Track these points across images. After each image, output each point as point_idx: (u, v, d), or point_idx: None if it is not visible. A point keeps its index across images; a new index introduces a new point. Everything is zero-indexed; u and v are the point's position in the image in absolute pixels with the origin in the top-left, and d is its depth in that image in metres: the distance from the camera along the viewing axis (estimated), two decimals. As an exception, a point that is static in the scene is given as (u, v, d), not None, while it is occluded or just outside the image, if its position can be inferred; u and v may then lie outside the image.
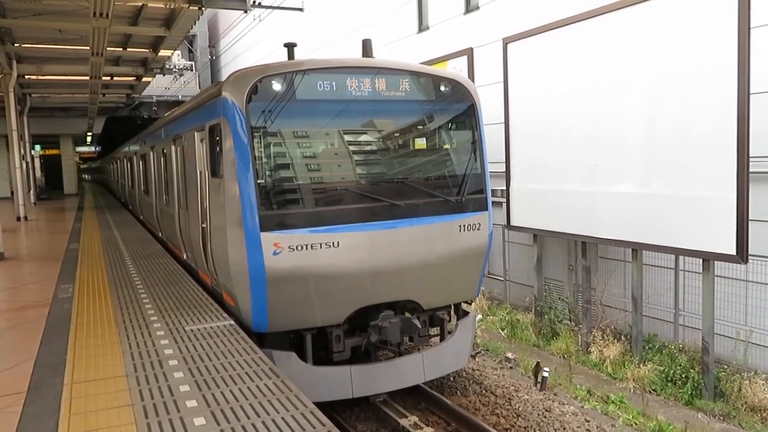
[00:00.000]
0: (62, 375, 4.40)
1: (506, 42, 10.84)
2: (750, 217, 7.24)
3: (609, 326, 9.65)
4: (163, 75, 24.96)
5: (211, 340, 5.15)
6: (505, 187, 11.14)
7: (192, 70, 32.75)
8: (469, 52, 11.64)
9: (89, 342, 5.17)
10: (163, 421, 3.54)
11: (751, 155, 7.19)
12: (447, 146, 7.12)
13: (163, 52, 17.88)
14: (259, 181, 5.85)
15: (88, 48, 13.68)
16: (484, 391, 7.76)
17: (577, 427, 6.84)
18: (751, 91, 7.10)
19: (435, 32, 15.59)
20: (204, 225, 7.30)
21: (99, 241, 11.77)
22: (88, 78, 17.81)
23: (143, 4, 12.82)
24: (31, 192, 24.70)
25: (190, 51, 36.78)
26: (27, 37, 15.67)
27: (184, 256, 9.14)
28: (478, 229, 6.95)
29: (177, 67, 25.71)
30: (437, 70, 7.79)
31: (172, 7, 12.66)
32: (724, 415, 7.41)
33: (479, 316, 11.11)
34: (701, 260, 7.97)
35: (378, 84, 6.45)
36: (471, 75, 11.36)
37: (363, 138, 6.81)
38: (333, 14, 21.23)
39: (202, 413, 3.63)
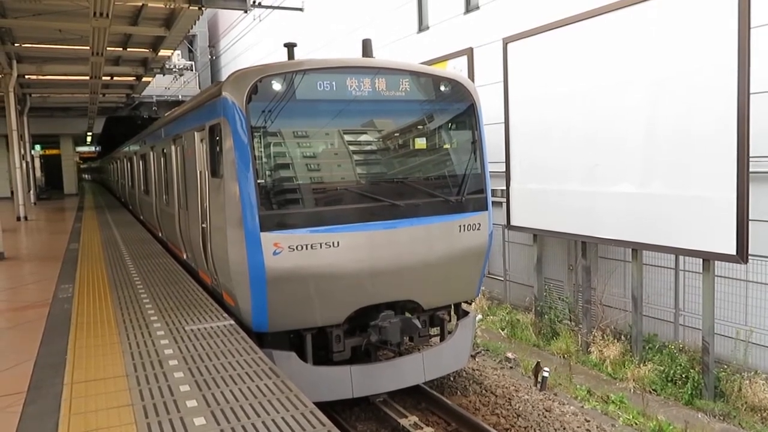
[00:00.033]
0: (62, 375, 4.40)
1: (506, 42, 10.83)
2: (750, 217, 7.24)
3: (609, 326, 9.65)
4: (163, 75, 24.98)
5: (211, 340, 5.15)
6: (505, 187, 11.14)
7: (192, 70, 32.74)
8: (469, 52, 11.64)
9: (89, 342, 5.17)
10: (163, 421, 3.54)
11: (751, 155, 7.19)
12: (447, 146, 7.12)
13: (163, 52, 17.87)
14: (259, 181, 5.85)
15: (88, 48, 13.68)
16: (484, 391, 7.76)
17: (577, 427, 6.84)
18: (751, 91, 7.10)
19: (435, 32, 15.59)
20: (204, 225, 7.30)
21: (99, 241, 11.76)
22: (88, 78, 17.82)
23: (143, 4, 12.82)
24: (31, 192, 24.70)
25: (190, 51, 36.78)
26: (27, 37, 15.67)
27: (184, 256, 9.14)
28: (478, 229, 6.95)
29: (177, 67, 25.73)
30: (437, 69, 7.79)
31: (172, 7, 12.66)
32: (724, 415, 7.41)
33: (479, 316, 11.11)
34: (701, 260, 7.97)
35: (378, 84, 6.45)
36: (471, 75, 11.36)
37: (363, 138, 6.81)
38: (333, 14, 21.23)
39: (202, 413, 3.63)
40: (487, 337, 10.51)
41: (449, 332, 7.32)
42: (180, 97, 31.94)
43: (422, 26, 16.43)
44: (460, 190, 6.86)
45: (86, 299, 6.79)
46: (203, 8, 12.66)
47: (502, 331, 10.90)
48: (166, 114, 13.18)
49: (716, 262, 7.83)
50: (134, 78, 21.96)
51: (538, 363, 8.42)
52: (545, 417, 7.06)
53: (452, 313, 7.55)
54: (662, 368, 8.40)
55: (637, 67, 8.45)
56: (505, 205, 11.21)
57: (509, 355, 9.43)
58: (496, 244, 11.59)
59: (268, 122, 5.98)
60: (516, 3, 12.58)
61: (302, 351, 6.32)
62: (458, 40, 13.11)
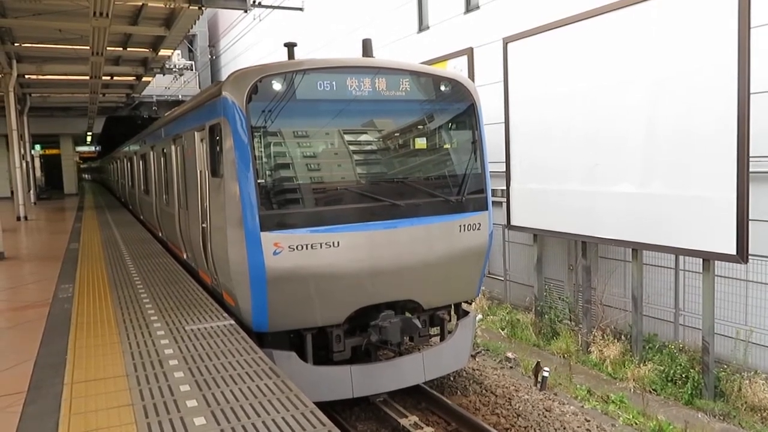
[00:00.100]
0: (62, 375, 4.40)
1: (506, 42, 10.83)
2: (750, 217, 7.24)
3: (609, 326, 9.65)
4: (163, 75, 24.96)
5: (211, 339, 5.15)
6: (505, 187, 11.14)
7: (192, 70, 32.75)
8: (469, 52, 11.64)
9: (89, 342, 5.17)
10: (164, 421, 3.53)
11: (751, 155, 7.19)
12: (447, 146, 7.12)
13: (163, 52, 17.87)
14: (259, 181, 5.85)
15: (88, 48, 13.68)
16: (484, 391, 7.76)
17: (578, 426, 6.84)
18: (751, 91, 7.10)
19: (435, 32, 15.59)
20: (204, 225, 7.30)
21: (99, 241, 11.76)
22: (88, 78, 17.81)
23: (143, 4, 12.82)
24: (31, 192, 24.70)
25: (190, 51, 36.77)
26: (27, 37, 15.66)
27: (184, 256, 9.14)
28: (479, 229, 6.94)
29: (177, 66, 25.72)
30: (437, 69, 7.79)
31: (172, 6, 12.65)
32: (724, 415, 7.41)
33: (479, 316, 11.11)
34: (701, 260, 7.97)
35: (378, 84, 6.45)
36: (471, 75, 11.36)
37: (363, 138, 6.81)
38: (333, 14, 21.23)
39: (203, 413, 3.63)
40: (487, 337, 10.51)
41: (449, 332, 7.32)
42: (180, 96, 31.95)
43: (422, 26, 16.43)
44: (461, 190, 6.86)
45: (86, 299, 6.79)
46: (203, 8, 12.66)
47: (502, 330, 10.91)
48: (166, 114, 13.18)
49: (716, 261, 7.83)
50: (134, 78, 21.97)
51: (538, 363, 8.42)
52: (545, 417, 7.06)
53: (452, 312, 7.54)
54: (662, 368, 8.40)
55: (637, 67, 8.45)
56: (505, 204, 11.21)
57: (509, 354, 9.43)
58: (497, 243, 11.59)
59: (268, 122, 5.98)
60: (516, 3, 12.58)
61: (302, 351, 6.32)
62: (458, 40, 13.11)
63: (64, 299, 6.89)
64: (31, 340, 5.39)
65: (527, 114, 10.58)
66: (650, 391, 8.10)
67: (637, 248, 8.85)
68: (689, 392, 7.87)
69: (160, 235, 11.90)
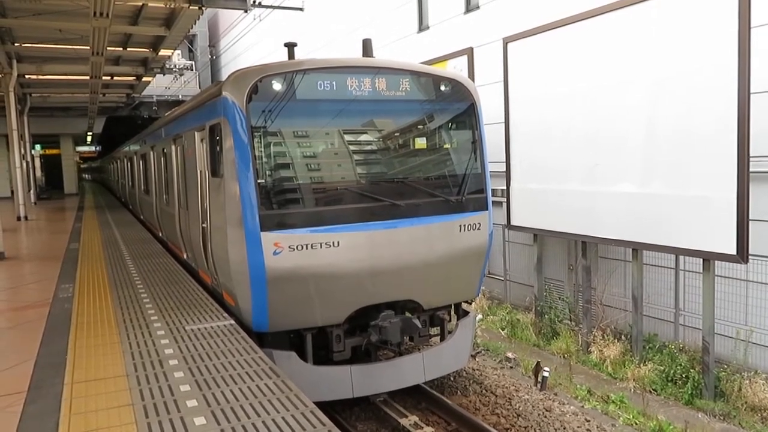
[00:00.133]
0: (62, 375, 4.40)
1: (506, 42, 10.83)
2: (750, 217, 7.24)
3: (609, 326, 9.65)
4: (164, 75, 24.97)
5: (211, 339, 5.15)
6: (505, 187, 11.14)
7: (192, 70, 32.74)
8: (469, 52, 11.64)
9: (89, 342, 5.17)
10: (164, 421, 3.54)
11: (751, 155, 7.18)
12: (447, 146, 7.11)
13: (163, 52, 17.87)
14: (259, 181, 5.85)
15: (88, 48, 13.68)
16: (484, 391, 7.76)
17: (578, 426, 6.84)
18: (752, 91, 7.10)
19: (435, 32, 15.59)
20: (204, 225, 7.30)
21: (99, 241, 11.77)
22: (88, 78, 17.81)
23: (143, 4, 12.82)
24: (32, 192, 24.69)
25: (191, 51, 36.78)
26: (27, 37, 15.67)
27: (185, 256, 9.15)
28: (479, 229, 6.94)
29: (177, 66, 25.72)
30: (437, 69, 7.79)
31: (172, 6, 12.66)
32: (724, 415, 7.41)
33: (479, 316, 11.11)
34: (701, 260, 7.97)
35: (378, 84, 6.45)
36: (471, 75, 11.36)
37: (363, 138, 6.81)
38: (333, 14, 21.23)
39: (203, 413, 3.63)
40: (487, 337, 10.51)
41: (449, 332, 7.32)
42: (180, 96, 31.96)
43: (422, 26, 16.43)
44: (461, 190, 6.85)
45: (86, 299, 6.79)
46: (203, 8, 12.66)
47: (502, 330, 10.90)
48: (166, 114, 13.18)
49: (716, 261, 7.82)
50: (134, 78, 21.97)
51: (538, 363, 8.42)
52: (545, 417, 7.06)
53: (452, 312, 7.54)
54: (662, 368, 8.40)
55: (637, 67, 8.44)
56: (505, 204, 11.21)
57: (509, 354, 9.43)
58: (497, 243, 11.59)
59: (268, 122, 5.98)
60: (516, 3, 12.58)
61: (302, 351, 6.32)
62: (458, 40, 13.11)
63: (64, 299, 6.90)
64: (31, 340, 5.39)
65: (527, 114, 10.58)
66: (650, 391, 8.10)
67: (637, 248, 8.85)
68: (689, 392, 7.87)
69: (161, 235, 11.91)
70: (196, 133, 7.64)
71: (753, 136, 7.17)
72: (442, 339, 7.38)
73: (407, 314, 6.74)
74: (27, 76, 20.15)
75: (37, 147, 34.69)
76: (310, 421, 3.49)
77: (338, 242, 6.03)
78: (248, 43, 27.56)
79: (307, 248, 5.89)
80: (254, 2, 13.36)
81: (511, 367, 9.11)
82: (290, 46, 7.03)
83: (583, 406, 7.63)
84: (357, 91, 6.34)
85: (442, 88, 6.91)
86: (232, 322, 5.73)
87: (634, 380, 8.25)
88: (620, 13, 8.59)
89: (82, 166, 61.96)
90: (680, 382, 8.13)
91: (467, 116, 7.10)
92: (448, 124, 7.15)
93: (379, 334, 6.35)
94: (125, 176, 20.37)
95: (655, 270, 9.41)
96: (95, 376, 4.32)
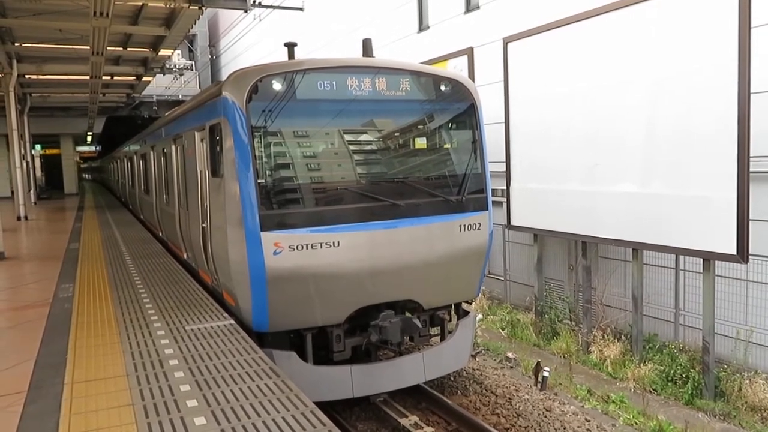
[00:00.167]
0: (62, 374, 4.40)
1: (506, 41, 10.83)
2: (750, 217, 7.24)
3: (609, 326, 9.65)
4: (164, 74, 24.98)
5: (211, 339, 5.15)
6: (505, 187, 11.14)
7: (192, 70, 32.74)
8: (469, 52, 11.64)
9: (89, 341, 5.17)
10: (164, 421, 3.54)
11: (751, 155, 7.18)
12: (447, 146, 7.11)
13: (163, 52, 17.87)
14: (259, 181, 5.85)
15: (88, 47, 13.68)
16: (484, 391, 7.76)
17: (578, 426, 6.84)
18: (752, 91, 7.09)
19: (435, 32, 15.59)
20: (204, 224, 7.30)
21: (99, 241, 11.77)
22: (88, 77, 17.82)
23: (143, 4, 12.82)
24: (32, 191, 24.70)
25: (191, 50, 36.78)
26: (27, 37, 15.67)
27: (185, 256, 9.15)
28: (479, 229, 6.94)
29: (177, 66, 25.72)
30: (437, 69, 7.79)
31: (172, 6, 12.66)
32: (724, 415, 7.41)
33: (479, 316, 11.11)
34: (701, 260, 7.97)
35: (378, 83, 6.45)
36: (471, 74, 11.36)
37: (363, 137, 6.81)
38: (333, 14, 21.23)
39: (203, 413, 3.63)
40: (487, 337, 10.51)
41: (449, 332, 7.32)
42: (180, 96, 31.96)
43: (422, 26, 16.42)
44: (461, 190, 6.85)
45: (86, 299, 6.79)
46: (203, 8, 12.66)
47: (503, 330, 10.90)
48: (166, 114, 13.18)
49: (716, 261, 7.82)
50: (134, 78, 21.97)
51: (538, 363, 8.42)
52: (545, 417, 7.06)
53: (452, 312, 7.55)
54: (662, 368, 8.40)
55: (637, 67, 8.44)
56: (505, 204, 11.21)
57: (509, 354, 9.43)
58: (497, 243, 11.58)
59: (268, 122, 5.98)
60: (516, 3, 12.58)
61: (302, 351, 6.32)
62: (458, 40, 13.11)
63: (64, 299, 6.90)
64: (31, 339, 5.39)
65: (527, 114, 10.58)
66: (650, 391, 8.10)
67: (638, 248, 8.85)
68: (689, 392, 7.87)
69: (161, 234, 11.91)
70: (196, 133, 7.64)
71: (753, 136, 7.16)
72: (442, 339, 7.38)
73: (407, 314, 6.74)
74: (27, 76, 20.16)
75: (37, 147, 34.70)
76: (311, 421, 3.49)
77: (338, 242, 6.03)
78: (248, 43, 27.56)
79: (307, 248, 5.89)
80: (254, 2, 13.36)
81: (511, 367, 9.11)
82: (290, 46, 7.03)
83: (583, 406, 7.63)
84: (357, 91, 6.34)
85: (443, 88, 6.91)
86: (232, 322, 5.73)
87: (634, 380, 8.25)
88: (620, 13, 8.59)
89: (82, 166, 61.97)
90: (680, 382, 8.13)
91: (467, 116, 7.10)
92: (449, 124, 7.15)
93: (379, 333, 6.35)
94: (125, 176, 20.37)
95: (655, 270, 9.41)
96: (95, 376, 4.32)
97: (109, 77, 20.44)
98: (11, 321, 6.32)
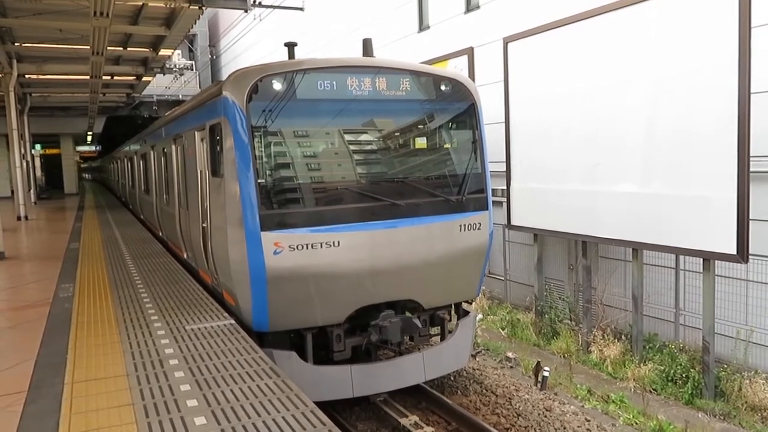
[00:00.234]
0: (63, 374, 4.40)
1: (507, 41, 10.83)
2: (750, 217, 7.24)
3: (609, 326, 9.65)
4: (164, 74, 24.97)
5: (211, 339, 5.15)
6: (505, 187, 11.14)
7: (192, 70, 32.71)
8: (469, 52, 11.64)
9: (90, 341, 5.17)
10: (164, 421, 3.54)
11: (751, 155, 7.18)
12: (447, 145, 7.12)
13: (163, 52, 17.87)
14: (259, 181, 5.85)
15: (88, 47, 13.68)
16: (484, 391, 7.76)
17: (578, 426, 6.84)
18: (752, 91, 7.09)
19: (435, 32, 15.58)
20: (204, 224, 7.30)
21: (99, 241, 11.77)
22: (88, 77, 17.82)
23: (143, 4, 12.82)
24: (32, 191, 24.70)
25: (191, 50, 36.76)
26: (27, 37, 15.67)
27: (185, 256, 9.15)
28: (479, 229, 6.94)
29: (177, 66, 25.71)
30: (438, 69, 7.79)
31: (172, 6, 12.66)
32: (724, 415, 7.41)
33: (480, 316, 11.11)
34: (702, 260, 7.97)
35: (378, 83, 6.45)
36: (471, 74, 11.36)
37: (363, 137, 6.81)
38: (333, 13, 21.23)
39: (203, 412, 3.63)
40: (487, 337, 10.51)
41: (450, 332, 7.32)
42: (180, 96, 31.96)
43: (423, 26, 16.42)
44: (461, 190, 6.86)
45: (87, 299, 6.79)
46: (204, 8, 12.66)
47: (503, 330, 10.91)
48: (166, 113, 13.18)
49: (716, 261, 7.82)
50: (134, 77, 21.97)
51: (538, 362, 8.42)
52: (545, 416, 7.06)
53: (453, 312, 7.55)
54: (662, 368, 8.40)
55: (637, 67, 8.44)
56: (505, 204, 11.21)
57: (509, 354, 9.43)
58: (497, 243, 11.58)
59: (268, 122, 5.98)
60: (516, 3, 12.57)
61: (303, 350, 6.32)
62: (459, 40, 13.11)
63: (64, 299, 6.90)
64: (31, 339, 5.39)
65: (527, 114, 10.58)
66: (650, 391, 8.10)
67: (638, 248, 8.85)
68: (689, 392, 7.87)
69: (161, 234, 11.91)
70: (196, 132, 7.64)
71: (753, 136, 7.16)
72: (442, 339, 7.38)
73: (407, 314, 6.74)
74: (27, 76, 20.16)
75: (37, 147, 34.69)
76: (311, 421, 3.49)
77: (338, 242, 6.03)
78: (248, 43, 27.56)
79: (307, 248, 5.89)
80: (254, 2, 13.35)
81: (511, 367, 9.11)
82: (290, 46, 7.03)
83: (583, 406, 7.63)
84: (357, 91, 6.34)
85: (443, 87, 6.91)
86: (233, 321, 5.73)
87: (634, 380, 8.25)
88: (620, 13, 8.59)
89: (82, 165, 61.97)
90: (680, 382, 8.13)
91: (467, 116, 7.10)
92: (449, 124, 7.15)
93: (379, 333, 6.35)
94: (125, 176, 20.37)
95: (655, 270, 9.41)
96: (95, 376, 4.32)
97: (109, 77, 20.45)
98: (11, 321, 6.33)
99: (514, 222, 11.07)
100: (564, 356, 9.43)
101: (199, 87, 33.73)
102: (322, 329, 6.38)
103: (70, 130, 34.88)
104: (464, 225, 6.82)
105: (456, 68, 11.50)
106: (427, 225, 6.55)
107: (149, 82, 23.63)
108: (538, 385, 8.11)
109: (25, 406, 3.89)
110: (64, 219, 18.70)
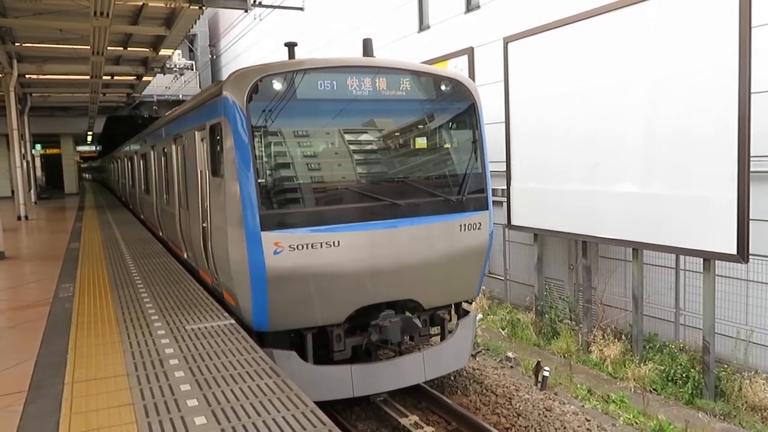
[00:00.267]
0: (63, 374, 4.40)
1: (507, 41, 10.83)
2: (750, 217, 7.24)
3: (609, 326, 9.65)
4: (164, 74, 24.96)
5: (211, 339, 5.15)
6: (505, 187, 11.14)
7: (192, 70, 32.68)
8: (469, 52, 11.64)
9: (90, 341, 5.17)
10: (164, 420, 3.54)
11: (751, 155, 7.18)
12: (447, 145, 7.12)
13: (163, 52, 17.87)
14: (259, 181, 5.85)
15: (88, 47, 13.69)
16: (484, 391, 7.76)
17: (578, 426, 6.84)
18: (752, 91, 7.09)
19: (436, 31, 15.58)
20: (204, 224, 7.31)
21: (100, 241, 11.77)
22: (88, 77, 17.83)
23: (144, 4, 12.82)
24: (32, 191, 24.71)
25: (191, 50, 36.76)
26: (28, 37, 15.67)
27: (185, 256, 9.15)
28: (479, 229, 6.95)
29: (177, 66, 25.70)
30: (438, 69, 7.79)
31: (172, 6, 12.66)
32: (724, 415, 7.41)
33: (480, 316, 11.11)
34: (702, 260, 7.97)
35: (378, 83, 6.45)
36: (472, 74, 11.36)
37: (363, 137, 6.81)
38: (334, 13, 21.23)
39: (203, 412, 3.64)
40: (487, 337, 10.51)
41: (450, 332, 7.32)
42: (180, 96, 31.96)
43: (423, 26, 16.42)
44: (461, 190, 6.86)
45: (87, 298, 6.79)
46: (204, 8, 12.66)
47: (503, 330, 10.91)
48: (166, 113, 13.18)
49: (717, 261, 7.82)
50: (135, 77, 21.98)
51: (538, 362, 8.42)
52: (546, 416, 7.06)
53: (453, 312, 7.55)
54: (663, 368, 8.39)
55: (636, 67, 8.44)
56: (505, 204, 11.21)
57: (510, 354, 9.43)
58: (497, 243, 11.58)
59: (268, 122, 5.98)
60: (516, 3, 12.57)
61: (303, 350, 6.32)
62: (459, 40, 13.11)
63: (64, 299, 6.90)
64: (31, 339, 5.39)
65: (527, 114, 10.58)
66: (651, 391, 8.10)
67: (638, 248, 8.85)
68: (690, 392, 7.87)
69: (161, 234, 11.91)
70: (196, 132, 7.65)
71: (753, 136, 7.16)
72: (442, 338, 7.38)
73: (407, 314, 6.74)
74: (27, 76, 20.16)
75: (38, 146, 34.68)
76: (311, 421, 3.49)
77: (338, 242, 6.04)
78: (248, 43, 27.56)
79: (307, 248, 5.89)
80: (254, 2, 13.35)
81: (511, 367, 9.11)
82: (290, 46, 7.03)
83: (583, 406, 7.63)
84: (357, 91, 6.34)
85: (443, 87, 6.91)
86: (233, 321, 5.74)
87: (634, 380, 8.25)
88: (620, 13, 8.59)
89: (82, 165, 61.99)
90: (680, 382, 8.13)
91: (468, 116, 7.10)
92: (449, 124, 7.15)
93: (379, 333, 6.36)
94: (125, 176, 20.37)
95: (655, 269, 9.41)
96: (96, 376, 4.32)
97: (109, 77, 20.45)
98: (11, 321, 6.33)
99: (514, 222, 11.07)
100: (564, 356, 9.43)
101: (199, 87, 33.73)
102: (322, 329, 6.38)
103: (71, 130, 34.89)
104: (464, 225, 6.82)
105: (456, 68, 11.50)
106: (427, 225, 6.55)
107: (149, 82, 23.63)
108: (538, 385, 8.11)
109: (25, 406, 3.89)
110: (64, 219, 18.70)
